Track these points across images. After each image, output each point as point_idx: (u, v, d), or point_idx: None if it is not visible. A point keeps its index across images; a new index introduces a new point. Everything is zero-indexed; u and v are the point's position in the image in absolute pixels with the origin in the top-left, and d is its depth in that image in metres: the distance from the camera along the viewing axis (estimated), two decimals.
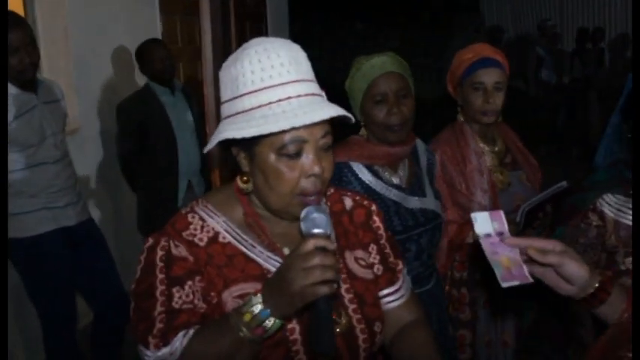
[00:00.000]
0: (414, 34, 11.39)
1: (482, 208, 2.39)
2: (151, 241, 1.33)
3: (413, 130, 2.21)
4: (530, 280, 1.24)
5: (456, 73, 2.51)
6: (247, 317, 1.17)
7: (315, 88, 1.27)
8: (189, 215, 1.35)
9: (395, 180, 2.19)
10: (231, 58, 1.28)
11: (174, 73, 4.01)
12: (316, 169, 1.25)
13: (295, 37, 8.62)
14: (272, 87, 1.21)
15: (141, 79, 4.22)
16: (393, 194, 2.15)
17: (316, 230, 1.20)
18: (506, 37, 10.18)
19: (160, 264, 1.29)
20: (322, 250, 1.14)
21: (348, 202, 1.54)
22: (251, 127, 1.19)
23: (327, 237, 1.19)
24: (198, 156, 4.06)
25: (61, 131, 3.14)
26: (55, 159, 3.03)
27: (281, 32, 7.88)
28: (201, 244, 1.31)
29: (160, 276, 1.28)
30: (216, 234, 1.33)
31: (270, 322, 1.17)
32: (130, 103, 3.90)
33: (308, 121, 1.18)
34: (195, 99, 4.28)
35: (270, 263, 1.33)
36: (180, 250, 1.30)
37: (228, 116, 1.25)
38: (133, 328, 1.31)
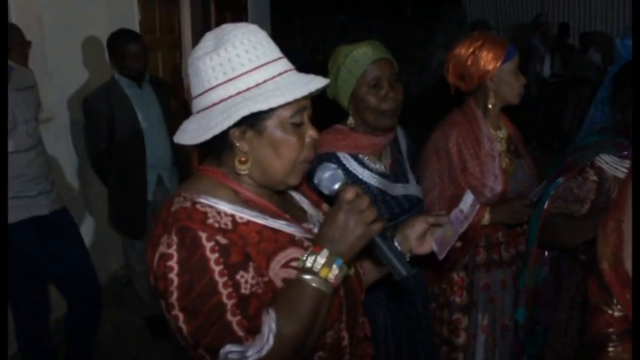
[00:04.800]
0: (396, 26, 11.38)
1: (494, 193, 2.50)
2: (174, 242, 1.23)
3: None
4: (441, 257, 1.56)
5: (491, 62, 2.49)
6: (325, 272, 1.26)
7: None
8: (197, 206, 1.29)
9: (379, 168, 2.21)
10: (206, 47, 1.34)
11: (145, 70, 3.88)
12: (315, 134, 1.38)
13: (276, 29, 8.60)
14: (269, 63, 1.31)
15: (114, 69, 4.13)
16: (378, 182, 2.16)
17: (339, 183, 1.38)
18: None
19: (213, 256, 1.22)
20: (359, 195, 1.30)
21: None
22: (273, 97, 1.27)
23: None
24: (169, 149, 3.95)
25: (33, 119, 3.06)
26: (27, 147, 2.95)
27: (262, 23, 7.81)
28: (230, 228, 1.29)
29: (218, 268, 1.22)
30: (233, 216, 1.31)
31: (343, 270, 1.29)
32: (94, 98, 3.76)
33: (319, 85, 1.33)
34: (168, 90, 4.16)
35: (289, 229, 1.39)
36: (221, 238, 1.25)
37: (228, 97, 1.30)
38: (195, 341, 1.22)
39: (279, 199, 1.46)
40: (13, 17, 3.84)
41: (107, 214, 4.04)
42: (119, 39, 3.76)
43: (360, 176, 2.14)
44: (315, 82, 1.33)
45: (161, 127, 3.89)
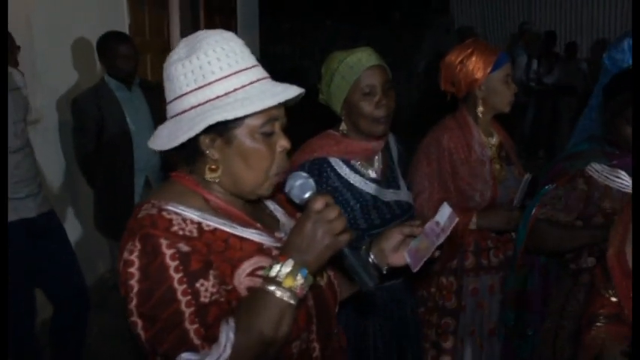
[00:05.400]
0: (384, 33, 11.43)
1: (484, 199, 2.52)
2: (136, 249, 1.23)
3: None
4: (415, 269, 1.53)
5: (479, 70, 2.52)
6: (289, 282, 1.23)
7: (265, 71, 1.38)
8: (163, 213, 1.28)
9: (371, 173, 2.22)
10: (180, 53, 1.34)
11: (135, 72, 3.88)
12: (287, 144, 1.36)
13: (265, 34, 8.60)
14: (241, 71, 1.30)
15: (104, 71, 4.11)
16: (370, 188, 2.17)
17: (310, 192, 1.35)
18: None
19: (173, 263, 1.21)
20: (328, 205, 1.28)
21: None
22: (241, 106, 1.25)
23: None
24: (157, 152, 3.92)
25: (21, 120, 3.04)
26: (14, 149, 2.92)
27: (251, 28, 7.83)
28: (195, 235, 1.27)
29: (177, 276, 1.21)
30: (199, 224, 1.30)
31: (309, 280, 1.26)
32: (84, 99, 3.76)
33: (290, 95, 1.31)
34: (158, 93, 4.15)
35: (258, 237, 1.37)
36: (183, 246, 1.24)
37: (198, 105, 1.29)
38: (152, 348, 1.22)
39: (250, 207, 1.45)
40: None
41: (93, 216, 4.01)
42: (109, 40, 3.76)
43: (352, 182, 2.15)
44: (286, 92, 1.31)
45: (150, 131, 3.81)
